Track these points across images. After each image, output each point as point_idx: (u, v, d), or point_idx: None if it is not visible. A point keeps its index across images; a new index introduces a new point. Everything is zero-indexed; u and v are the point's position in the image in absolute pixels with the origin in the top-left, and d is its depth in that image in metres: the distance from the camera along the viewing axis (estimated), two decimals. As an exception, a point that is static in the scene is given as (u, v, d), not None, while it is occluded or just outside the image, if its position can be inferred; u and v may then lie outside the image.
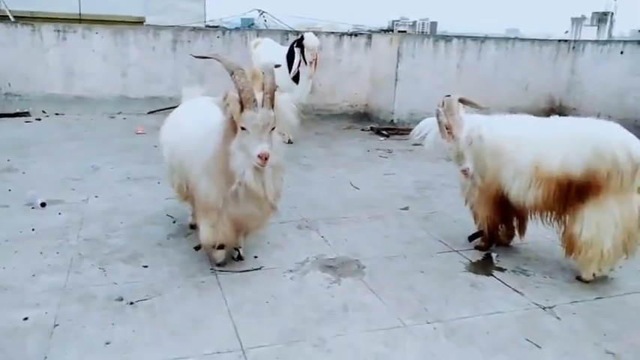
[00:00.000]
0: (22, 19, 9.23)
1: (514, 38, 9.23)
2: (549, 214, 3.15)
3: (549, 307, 2.84)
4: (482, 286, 3.07)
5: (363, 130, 8.32)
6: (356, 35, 9.21)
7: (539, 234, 3.61)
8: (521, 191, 3.09)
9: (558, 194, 2.98)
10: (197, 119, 3.07)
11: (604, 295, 3.00)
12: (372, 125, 8.46)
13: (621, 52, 8.13)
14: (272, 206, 2.90)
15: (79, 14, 13.11)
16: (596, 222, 2.90)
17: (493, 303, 2.87)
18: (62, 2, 12.66)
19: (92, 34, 8.36)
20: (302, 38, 6.54)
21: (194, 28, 9.39)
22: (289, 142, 6.95)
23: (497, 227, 3.49)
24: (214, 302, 2.74)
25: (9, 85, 8.15)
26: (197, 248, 3.25)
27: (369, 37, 9.25)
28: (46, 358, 2.22)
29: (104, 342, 2.35)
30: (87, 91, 8.41)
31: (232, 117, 2.63)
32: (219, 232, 2.92)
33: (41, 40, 8.21)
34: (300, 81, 6.70)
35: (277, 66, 3.19)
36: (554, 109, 9.21)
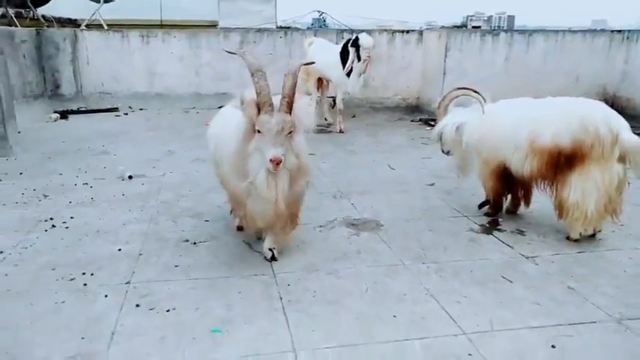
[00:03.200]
0: (113, 26, 10.55)
1: (564, 30, 9.36)
2: (544, 181, 3.65)
3: (532, 257, 3.37)
4: (480, 241, 3.64)
5: (412, 121, 8.87)
6: (407, 32, 9.74)
7: (548, 205, 4.01)
8: (520, 162, 3.61)
9: (550, 163, 3.46)
10: (235, 116, 2.97)
11: (586, 250, 3.47)
12: (421, 117, 8.99)
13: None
14: (282, 210, 2.83)
15: (161, 20, 14.50)
16: (581, 187, 3.37)
17: (484, 252, 3.44)
18: (147, 10, 14.08)
19: (171, 37, 9.49)
20: (357, 38, 7.18)
21: (259, 30, 10.31)
22: (340, 131, 7.69)
23: (502, 196, 4.02)
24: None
25: (102, 84, 9.44)
26: (239, 229, 3.57)
27: (421, 33, 9.75)
28: (133, 273, 3.08)
29: (173, 265, 3.19)
30: (166, 88, 9.56)
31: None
32: (256, 213, 2.96)
33: (129, 44, 9.43)
34: (351, 76, 7.36)
35: (311, 63, 3.84)
36: (607, 100, 9.28)
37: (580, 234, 3.56)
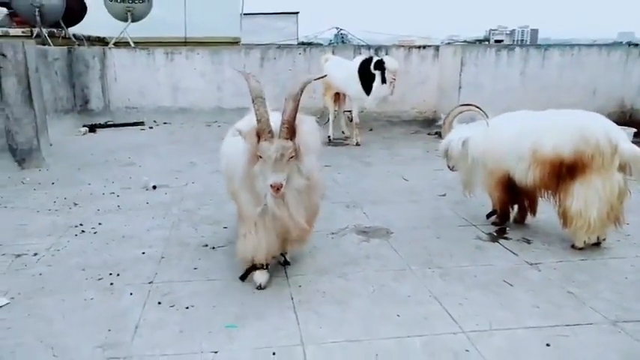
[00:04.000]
0: (139, 44, 10.99)
1: (579, 45, 9.45)
2: (547, 191, 3.77)
3: (535, 264, 3.49)
4: (486, 249, 3.77)
5: (428, 134, 9.03)
6: (424, 47, 9.93)
7: (555, 216, 4.05)
8: (523, 173, 3.75)
9: (552, 173, 3.59)
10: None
11: (589, 258, 3.58)
12: (437, 130, 9.12)
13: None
14: (299, 227, 2.84)
15: (185, 37, 14.97)
16: (583, 196, 3.49)
17: (489, 259, 3.57)
18: (171, 28, 14.55)
19: (194, 54, 9.86)
20: (382, 62, 7.28)
21: (279, 46, 10.62)
22: (357, 144, 7.89)
23: (508, 206, 4.15)
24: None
25: (128, 99, 9.84)
26: (242, 278, 3.19)
27: (437, 48, 9.93)
28: (156, 274, 3.30)
29: (193, 267, 3.41)
30: (189, 103, 9.91)
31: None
32: (250, 243, 2.96)
33: (154, 61, 9.83)
34: (371, 95, 7.53)
35: (322, 77, 4.02)
36: (625, 112, 9.32)
37: (584, 242, 3.66)
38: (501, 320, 2.75)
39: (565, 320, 2.75)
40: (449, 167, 4.41)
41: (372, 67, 7.33)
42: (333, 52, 9.44)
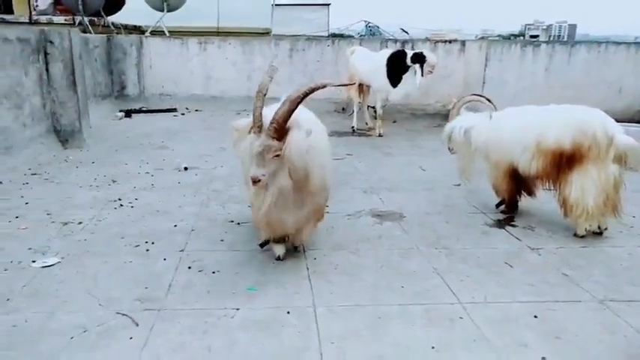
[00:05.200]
0: (174, 33, 11.43)
1: (607, 42, 9.45)
2: (548, 180, 4.00)
3: (537, 249, 3.73)
4: (491, 233, 4.02)
5: (451, 127, 9.19)
6: (450, 42, 10.08)
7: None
8: (527, 162, 3.99)
9: (553, 163, 3.83)
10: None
11: (589, 245, 3.79)
12: (459, 124, 9.30)
13: None
14: (263, 221, 3.02)
15: (217, 27, 15.40)
16: (580, 185, 3.72)
17: (493, 243, 3.83)
18: (205, 18, 15.02)
19: (226, 44, 10.24)
20: (423, 55, 7.43)
21: (308, 38, 10.91)
22: (379, 135, 8.15)
23: (516, 195, 4.37)
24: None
25: (162, 87, 10.30)
26: (261, 245, 3.49)
27: (463, 43, 10.08)
28: (186, 244, 3.67)
29: (219, 239, 3.76)
30: (220, 92, 10.31)
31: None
32: (254, 218, 3.18)
33: (187, 50, 10.25)
34: (397, 87, 7.75)
35: (324, 86, 4.14)
36: (651, 111, 9.32)
37: (586, 229, 3.88)
38: (496, 295, 3.01)
39: (555, 297, 3.00)
40: (449, 149, 4.70)
41: (408, 59, 7.49)
42: (360, 44, 9.69)
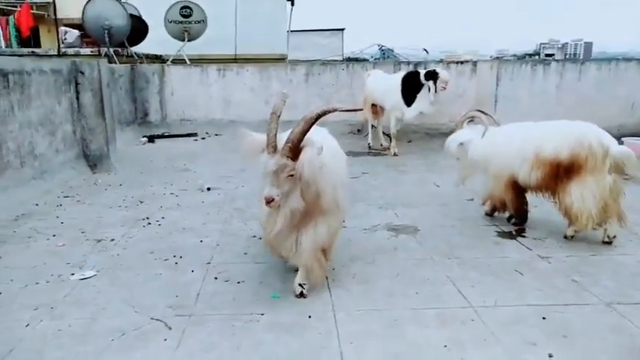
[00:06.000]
0: (194, 61, 11.88)
1: (617, 59, 9.60)
2: (547, 190, 4.19)
3: (547, 257, 3.87)
4: (503, 244, 4.18)
5: (465, 146, 9.37)
6: (462, 63, 10.32)
7: None
8: (527, 173, 4.18)
9: (551, 174, 4.04)
10: None
11: (598, 254, 3.93)
12: (473, 142, 9.47)
13: None
14: (275, 242, 3.00)
15: (235, 55, 15.92)
16: (580, 194, 3.91)
17: (504, 252, 3.98)
18: (223, 47, 15.52)
19: (244, 71, 10.62)
20: (435, 72, 7.69)
21: (323, 63, 11.25)
22: (394, 154, 8.37)
23: (522, 205, 4.54)
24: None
25: (183, 112, 10.68)
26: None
27: (474, 63, 10.31)
28: (212, 257, 3.90)
29: (243, 252, 3.99)
30: (238, 116, 10.63)
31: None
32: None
33: (207, 77, 10.65)
34: (412, 106, 8.00)
35: (335, 110, 4.33)
36: (665, 126, 9.39)
37: (589, 227, 4.02)
38: (506, 299, 3.17)
39: (564, 301, 3.15)
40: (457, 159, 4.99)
41: (421, 77, 7.72)
42: (374, 67, 9.98)
